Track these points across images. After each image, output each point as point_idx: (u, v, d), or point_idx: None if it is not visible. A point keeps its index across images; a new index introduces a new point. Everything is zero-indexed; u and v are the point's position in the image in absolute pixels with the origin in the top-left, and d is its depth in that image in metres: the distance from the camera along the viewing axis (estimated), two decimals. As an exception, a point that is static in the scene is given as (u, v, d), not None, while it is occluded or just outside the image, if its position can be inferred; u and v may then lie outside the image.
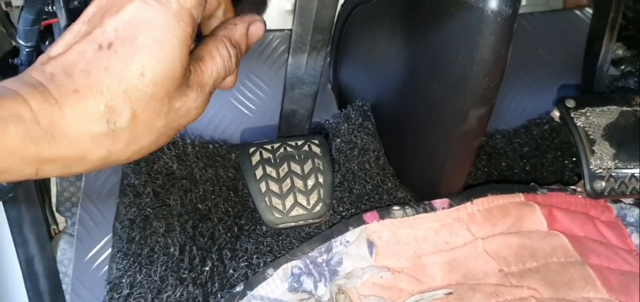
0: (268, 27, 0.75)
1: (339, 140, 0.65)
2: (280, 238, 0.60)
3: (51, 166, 0.35)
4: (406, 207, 0.61)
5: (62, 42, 0.37)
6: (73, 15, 0.53)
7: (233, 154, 0.64)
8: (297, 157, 0.58)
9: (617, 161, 0.62)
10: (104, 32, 0.36)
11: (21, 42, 0.52)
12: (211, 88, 0.42)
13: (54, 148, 0.34)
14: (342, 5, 0.68)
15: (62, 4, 0.48)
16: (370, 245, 0.58)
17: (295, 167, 0.57)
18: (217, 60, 0.42)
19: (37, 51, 0.55)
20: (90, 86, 0.35)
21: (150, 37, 0.36)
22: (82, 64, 0.35)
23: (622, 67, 0.78)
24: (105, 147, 0.36)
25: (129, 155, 0.38)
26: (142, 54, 0.36)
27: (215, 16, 0.46)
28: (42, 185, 0.66)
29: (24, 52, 0.53)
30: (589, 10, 0.79)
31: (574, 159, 0.68)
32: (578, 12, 0.80)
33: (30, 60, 0.54)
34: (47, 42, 0.59)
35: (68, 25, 0.49)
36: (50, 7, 0.52)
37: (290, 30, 0.60)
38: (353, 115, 0.67)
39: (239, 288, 0.57)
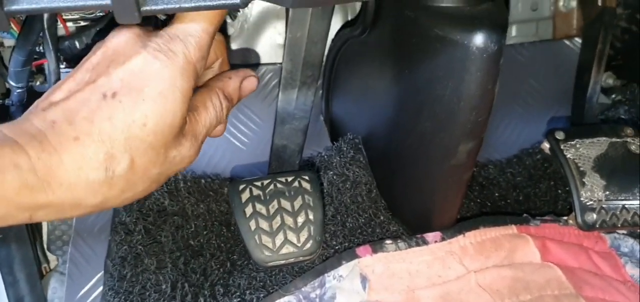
0: (260, 61, 0.77)
1: (331, 173, 0.65)
2: (273, 273, 0.60)
3: (45, 211, 0.36)
4: (399, 240, 0.60)
5: (64, 87, 0.38)
6: (63, 55, 0.54)
7: (225, 189, 0.64)
8: (287, 193, 0.58)
9: (608, 193, 0.62)
10: (109, 81, 0.37)
11: (12, 83, 0.52)
12: (203, 137, 0.43)
13: (49, 195, 0.35)
14: (333, 40, 0.69)
15: (51, 47, 0.48)
16: (364, 279, 0.58)
17: (285, 204, 0.57)
18: (210, 110, 0.43)
19: (28, 91, 0.55)
20: (91, 134, 0.36)
21: (156, 90, 0.37)
22: (85, 111, 0.36)
23: (613, 96, 0.79)
24: (101, 194, 0.37)
25: (121, 200, 0.39)
26: (146, 105, 0.37)
27: (211, 68, 0.47)
28: (34, 224, 0.65)
29: (15, 93, 0.53)
30: (579, 40, 0.79)
31: (567, 188, 0.68)
32: (568, 42, 0.81)
33: (22, 101, 0.54)
34: (38, 82, 0.59)
35: (57, 66, 0.49)
36: (41, 47, 0.52)
37: (281, 64, 0.60)
38: (345, 148, 0.67)
39: (230, 325, 0.56)
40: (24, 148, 0.34)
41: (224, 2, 0.36)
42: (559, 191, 0.70)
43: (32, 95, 0.52)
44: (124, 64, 0.37)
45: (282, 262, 0.56)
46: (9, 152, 0.34)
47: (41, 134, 0.35)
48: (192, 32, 0.40)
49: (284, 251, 0.55)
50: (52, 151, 0.35)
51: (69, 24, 0.57)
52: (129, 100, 0.37)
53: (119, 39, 0.39)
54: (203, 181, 0.65)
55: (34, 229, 0.64)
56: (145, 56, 0.38)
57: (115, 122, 0.36)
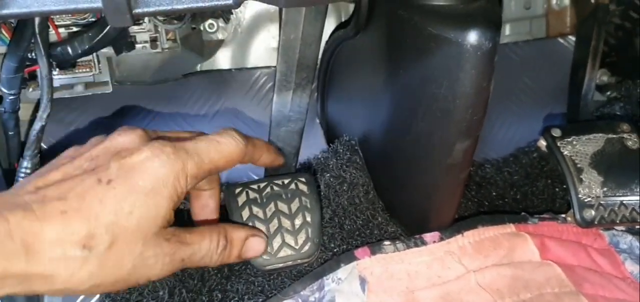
0: (254, 64, 0.76)
1: (328, 175, 0.65)
2: (272, 278, 0.60)
3: (13, 281, 0.35)
4: (397, 241, 0.60)
5: (62, 169, 0.40)
6: (56, 61, 0.54)
7: (222, 194, 0.64)
8: (284, 196, 0.57)
9: (605, 189, 0.62)
10: (107, 171, 0.39)
11: (4, 90, 0.52)
12: (185, 261, 0.43)
13: (22, 264, 0.35)
14: (327, 42, 0.68)
15: (43, 52, 0.48)
16: (363, 281, 0.58)
17: (283, 207, 0.57)
18: (205, 242, 0.45)
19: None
20: (80, 211, 0.37)
21: (149, 185, 0.39)
22: (78, 190, 0.38)
23: (608, 93, 0.79)
24: (72, 271, 0.37)
25: (87, 287, 0.39)
26: (136, 196, 0.39)
27: (207, 204, 0.51)
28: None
29: (7, 100, 0.53)
30: (572, 38, 0.80)
31: (565, 186, 0.68)
32: (561, 40, 0.81)
33: (14, 108, 0.54)
34: (31, 89, 0.59)
35: (49, 72, 0.49)
36: (33, 54, 0.52)
37: (276, 67, 0.60)
38: (341, 150, 0.67)
39: (230, 330, 0.56)
40: (5, 216, 0.35)
41: (217, 2, 0.36)
42: (557, 189, 0.70)
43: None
44: (125, 159, 0.40)
45: (281, 265, 0.55)
46: None
47: (27, 205, 0.36)
48: (200, 152, 0.43)
49: (281, 254, 0.55)
50: (34, 220, 0.35)
51: (61, 29, 0.57)
52: (123, 189, 0.39)
53: (124, 138, 0.42)
54: (199, 186, 0.65)
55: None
56: (147, 153, 0.40)
57: (105, 205, 0.38)
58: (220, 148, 0.44)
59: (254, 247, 0.51)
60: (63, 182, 0.38)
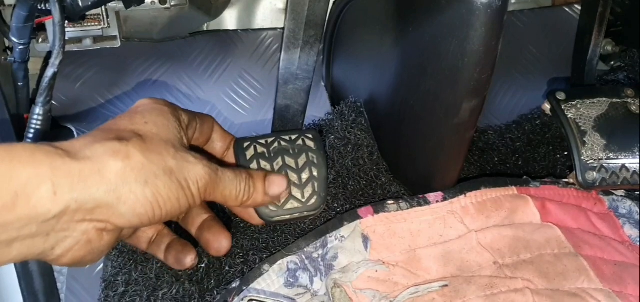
0: (261, 26, 0.77)
1: (332, 137, 0.65)
2: (276, 234, 0.60)
3: (67, 180, 0.37)
4: (400, 201, 0.61)
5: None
6: (66, 13, 0.54)
7: (230, 150, 0.64)
8: (291, 151, 0.58)
9: (608, 152, 0.63)
10: (114, 118, 0.45)
11: (14, 39, 0.52)
12: (218, 174, 0.47)
13: (68, 162, 0.37)
14: (335, 2, 0.68)
15: (56, 0, 0.48)
16: (365, 239, 0.58)
17: (290, 161, 0.57)
18: (230, 172, 0.48)
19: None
20: (101, 130, 0.41)
21: (149, 106, 0.46)
22: (96, 127, 0.43)
23: (612, 62, 0.79)
24: (120, 160, 0.39)
25: (143, 182, 0.40)
26: (144, 113, 0.45)
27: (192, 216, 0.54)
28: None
29: (17, 50, 0.53)
30: (578, 7, 0.80)
31: (566, 153, 0.69)
32: (567, 9, 0.81)
33: (24, 58, 0.54)
34: (40, 40, 0.59)
35: (62, 19, 0.49)
36: (43, 5, 0.52)
37: (283, 28, 0.60)
38: (346, 112, 0.67)
39: (235, 284, 0.57)
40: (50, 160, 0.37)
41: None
42: (558, 156, 0.71)
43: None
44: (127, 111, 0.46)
45: (287, 217, 0.56)
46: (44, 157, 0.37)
47: (61, 151, 0.38)
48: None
49: (288, 206, 0.55)
50: (64, 155, 0.37)
51: (71, -19, 0.57)
52: (130, 114, 0.45)
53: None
54: (205, 144, 0.65)
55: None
56: (144, 101, 0.47)
57: (120, 124, 0.43)
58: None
59: (277, 182, 0.52)
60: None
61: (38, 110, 0.50)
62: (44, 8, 0.52)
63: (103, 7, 0.61)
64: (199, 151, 0.50)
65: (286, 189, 0.53)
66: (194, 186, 0.44)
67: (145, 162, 0.40)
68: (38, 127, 0.50)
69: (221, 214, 0.62)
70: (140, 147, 0.40)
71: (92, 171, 0.37)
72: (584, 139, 0.63)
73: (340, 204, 0.63)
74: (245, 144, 0.57)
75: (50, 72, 0.48)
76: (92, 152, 0.38)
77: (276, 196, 0.53)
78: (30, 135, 0.51)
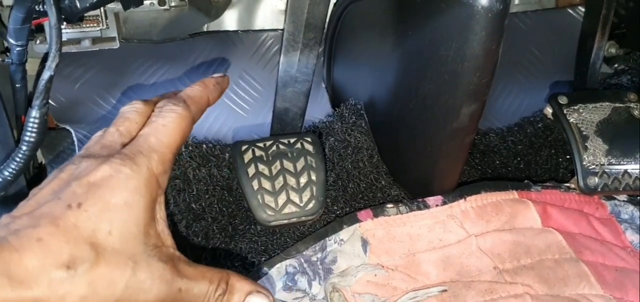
0: (261, 27, 0.76)
1: (332, 139, 0.65)
2: (275, 237, 0.60)
3: None
4: (400, 205, 0.61)
5: (27, 205, 0.37)
6: (64, 14, 0.53)
7: (226, 154, 0.64)
8: (289, 154, 0.57)
9: (610, 157, 0.62)
10: (73, 194, 0.37)
11: (12, 41, 0.52)
12: (183, 292, 0.40)
13: (8, 292, 0.33)
14: (335, 4, 0.68)
15: (52, 2, 0.48)
16: (364, 243, 0.58)
17: (288, 165, 0.57)
18: (204, 282, 0.41)
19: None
20: (55, 235, 0.35)
21: (121, 200, 0.37)
22: (50, 218, 0.36)
23: (616, 65, 0.78)
24: (61, 293, 0.35)
25: None
26: (112, 214, 0.37)
27: None
28: (35, 182, 0.65)
29: (15, 52, 0.52)
30: (582, 9, 0.79)
31: (568, 156, 0.68)
32: (571, 11, 0.80)
33: (21, 60, 0.54)
34: (38, 41, 0.58)
35: (58, 21, 0.49)
36: (40, 6, 0.51)
37: (283, 29, 0.60)
38: (346, 114, 0.67)
39: (232, 288, 0.56)
40: None
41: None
42: (560, 159, 0.70)
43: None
44: (87, 177, 0.38)
45: (285, 221, 0.56)
46: None
47: (3, 239, 0.34)
48: (155, 147, 0.40)
49: (286, 210, 0.55)
50: (13, 251, 0.34)
51: (69, -17, 0.56)
52: (95, 209, 0.36)
53: (74, 163, 0.39)
54: (204, 146, 0.65)
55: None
56: (108, 169, 0.38)
57: (81, 229, 0.36)
58: (169, 130, 0.42)
59: None
60: (34, 212, 0.36)
61: (34, 113, 0.49)
62: (41, 9, 0.52)
63: (102, 8, 0.60)
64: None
65: None
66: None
67: (88, 294, 0.36)
68: (35, 130, 0.50)
69: (221, 216, 0.62)
70: (87, 278, 0.35)
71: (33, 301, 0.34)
72: (586, 143, 0.63)
73: (340, 207, 0.62)
74: (244, 148, 0.57)
75: (46, 75, 0.48)
76: (33, 276, 0.34)
77: None
78: (26, 138, 0.50)
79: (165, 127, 0.42)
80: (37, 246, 0.34)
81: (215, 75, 0.51)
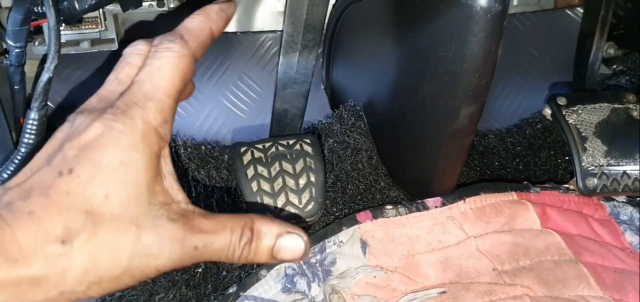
0: (260, 29, 0.76)
1: (331, 140, 0.65)
2: (274, 239, 0.60)
3: (3, 294, 0.32)
4: (399, 206, 0.61)
5: (19, 175, 0.35)
6: (63, 16, 0.53)
7: (225, 156, 0.64)
8: (288, 156, 0.57)
9: (609, 158, 0.62)
10: (64, 158, 0.34)
11: (10, 42, 0.51)
12: (200, 249, 0.37)
13: (4, 271, 0.31)
14: (334, 6, 0.68)
15: (51, 3, 0.48)
16: (364, 245, 0.58)
17: (287, 166, 0.57)
18: (225, 232, 0.38)
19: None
20: (47, 207, 0.33)
21: (115, 159, 0.34)
22: (40, 188, 0.33)
23: (614, 66, 0.79)
24: (60, 269, 0.33)
25: (86, 286, 0.34)
26: (106, 176, 0.34)
27: None
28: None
29: (13, 53, 0.52)
30: (580, 10, 0.79)
31: (567, 157, 0.68)
32: (569, 12, 0.80)
33: (20, 62, 0.53)
34: (37, 43, 0.58)
35: (57, 22, 0.49)
36: (39, 8, 0.51)
37: (282, 31, 0.60)
38: (345, 116, 0.67)
39: (232, 290, 0.56)
40: None
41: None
42: (559, 160, 0.70)
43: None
44: (78, 138, 0.35)
45: None
46: None
47: None
48: (151, 95, 0.37)
49: (285, 212, 0.55)
50: (5, 226, 0.32)
51: (68, -16, 0.56)
52: (87, 173, 0.33)
53: (69, 121, 0.36)
54: (203, 147, 0.65)
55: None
56: (99, 127, 0.35)
57: (74, 197, 0.33)
58: (165, 72, 0.37)
59: (291, 246, 0.40)
60: (23, 184, 0.34)
61: (33, 115, 0.49)
62: (40, 11, 0.52)
63: (100, 10, 0.60)
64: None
65: (304, 253, 0.41)
66: (153, 270, 0.36)
67: (90, 266, 0.33)
68: (33, 131, 0.50)
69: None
70: (87, 250, 0.33)
71: (30, 282, 0.32)
72: (585, 145, 0.63)
73: (339, 209, 0.62)
74: (242, 149, 0.57)
75: (45, 77, 0.48)
76: (28, 252, 0.32)
77: (288, 260, 0.41)
78: (25, 140, 0.50)
79: (160, 70, 0.38)
80: (29, 220, 0.32)
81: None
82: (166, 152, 0.38)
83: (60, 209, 0.33)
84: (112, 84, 0.38)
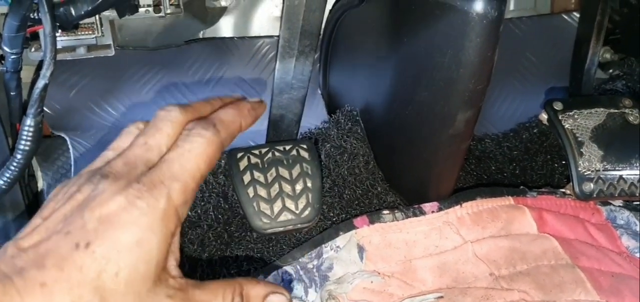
0: (257, 33, 0.76)
1: (328, 145, 0.65)
2: (271, 244, 0.60)
3: None
4: (396, 211, 0.60)
5: (34, 235, 0.36)
6: (59, 22, 0.53)
7: (222, 161, 0.64)
8: (285, 161, 0.57)
9: (605, 163, 0.62)
10: (83, 229, 0.35)
11: (6, 49, 0.52)
12: None
13: None
14: (331, 11, 0.68)
15: (46, 10, 0.48)
16: (361, 250, 0.58)
17: (284, 172, 0.57)
18: (217, 300, 0.40)
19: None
20: (59, 281, 0.34)
21: (133, 238, 0.35)
22: (55, 258, 0.34)
23: (610, 70, 0.79)
24: None
25: None
26: (120, 255, 0.35)
27: None
28: (30, 191, 0.65)
29: (9, 60, 0.52)
30: (577, 15, 0.79)
31: (564, 162, 0.68)
32: (566, 17, 0.80)
33: (16, 68, 0.53)
34: (33, 49, 0.58)
35: (53, 30, 0.49)
36: (35, 14, 0.51)
37: (279, 36, 0.60)
38: (342, 121, 0.67)
39: (228, 294, 0.56)
40: None
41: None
42: (556, 165, 0.70)
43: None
44: (99, 209, 0.35)
45: (281, 229, 0.56)
46: None
47: (7, 278, 0.33)
48: (178, 176, 0.38)
49: (282, 218, 0.55)
50: (15, 294, 0.32)
51: (64, -10, 0.57)
52: (104, 250, 0.34)
53: (92, 183, 0.37)
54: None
55: (30, 197, 0.64)
56: (123, 201, 0.35)
57: (86, 272, 0.34)
58: (194, 156, 0.39)
59: None
60: (37, 248, 0.35)
61: (29, 121, 0.49)
62: (36, 17, 0.52)
63: (97, 16, 0.60)
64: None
65: None
66: None
67: None
68: (29, 138, 0.50)
69: (216, 223, 0.62)
70: None
71: None
72: (581, 149, 0.63)
73: (336, 214, 0.62)
74: (239, 155, 0.57)
75: (41, 83, 0.48)
76: None
77: None
78: (21, 146, 0.50)
79: (190, 153, 0.39)
80: (40, 293, 0.33)
81: (252, 99, 0.48)
82: (178, 229, 0.39)
83: (72, 285, 0.33)
84: (141, 148, 0.39)
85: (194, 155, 0.39)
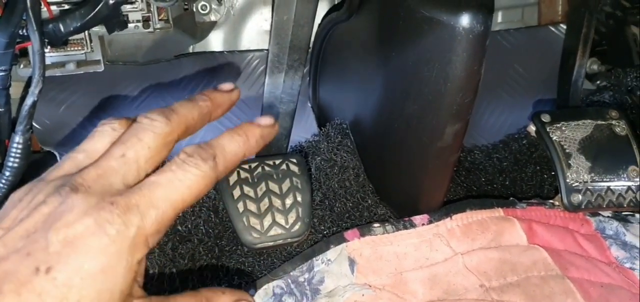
0: (247, 47, 0.76)
1: (319, 158, 0.65)
2: (262, 258, 0.60)
3: None
4: (386, 224, 0.61)
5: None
6: (48, 38, 0.53)
7: None
8: (275, 176, 0.57)
9: (593, 174, 0.63)
10: (45, 252, 0.32)
11: (-5, 66, 0.52)
12: None
13: None
14: (320, 25, 0.68)
15: (35, 27, 0.48)
16: (352, 263, 0.58)
17: (273, 187, 0.57)
18: None
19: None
20: None
21: (98, 266, 0.33)
22: (13, 283, 0.32)
23: (598, 82, 0.79)
24: None
25: None
26: (83, 282, 0.32)
27: None
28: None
29: (-2, 76, 0.53)
30: (564, 27, 0.80)
31: (553, 172, 0.69)
32: (553, 29, 0.81)
33: (5, 85, 0.53)
34: (22, 66, 0.58)
35: (42, 47, 0.49)
36: (24, 30, 0.52)
37: (268, 50, 0.60)
38: (332, 134, 0.67)
39: (219, 310, 0.56)
40: None
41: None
42: (545, 176, 0.71)
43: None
44: (64, 231, 0.33)
45: (271, 244, 0.56)
46: None
47: None
48: (157, 203, 0.35)
49: (272, 232, 0.55)
50: None
51: (53, 7, 0.57)
52: (65, 277, 0.32)
53: (61, 195, 0.34)
54: (190, 167, 0.64)
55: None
56: (92, 226, 0.33)
57: (45, 299, 0.32)
58: (183, 188, 0.36)
59: None
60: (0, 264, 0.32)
61: (18, 138, 0.49)
62: (25, 34, 0.52)
63: (86, 31, 0.60)
64: None
65: None
66: None
67: None
68: (18, 155, 0.50)
69: (207, 238, 0.61)
70: None
71: None
72: (569, 161, 0.63)
73: (327, 227, 0.62)
74: (228, 170, 0.57)
75: (30, 100, 0.48)
76: None
77: None
78: (10, 164, 0.50)
79: (181, 183, 0.36)
80: None
81: (264, 121, 0.44)
82: (144, 257, 0.36)
83: None
84: (117, 160, 0.36)
85: (185, 186, 0.37)
